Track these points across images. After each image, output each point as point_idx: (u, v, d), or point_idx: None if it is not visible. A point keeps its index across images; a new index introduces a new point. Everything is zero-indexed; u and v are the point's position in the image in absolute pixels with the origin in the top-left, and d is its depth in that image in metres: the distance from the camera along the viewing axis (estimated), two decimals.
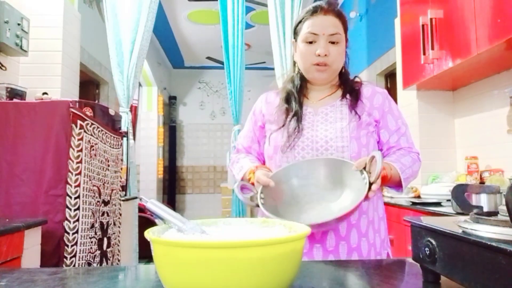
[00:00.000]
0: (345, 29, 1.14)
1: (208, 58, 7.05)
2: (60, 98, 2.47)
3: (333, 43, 1.09)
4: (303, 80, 1.18)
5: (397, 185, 1.08)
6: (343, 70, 1.18)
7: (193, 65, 7.77)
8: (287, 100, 1.16)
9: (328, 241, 1.04)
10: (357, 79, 1.18)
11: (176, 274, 0.49)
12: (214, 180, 7.64)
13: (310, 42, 1.10)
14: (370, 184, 0.92)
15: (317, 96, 1.17)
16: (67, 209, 1.79)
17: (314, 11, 1.11)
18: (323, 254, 1.03)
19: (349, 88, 1.15)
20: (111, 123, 2.31)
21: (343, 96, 1.14)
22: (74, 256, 1.82)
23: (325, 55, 1.08)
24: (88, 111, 1.99)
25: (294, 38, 1.19)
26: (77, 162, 1.85)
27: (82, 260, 1.88)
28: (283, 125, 1.11)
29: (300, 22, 1.15)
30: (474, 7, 1.79)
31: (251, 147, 1.25)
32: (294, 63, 1.21)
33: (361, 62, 4.14)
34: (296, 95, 1.15)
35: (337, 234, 1.04)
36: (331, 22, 1.10)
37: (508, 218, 0.47)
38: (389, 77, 3.73)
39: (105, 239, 2.16)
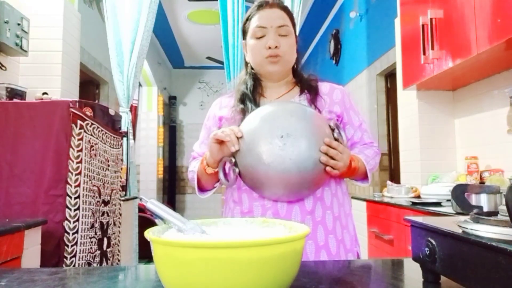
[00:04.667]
0: (293, 24, 1.13)
1: (208, 58, 7.04)
2: (60, 98, 2.47)
3: (282, 36, 1.09)
4: (257, 80, 1.16)
5: (363, 177, 1.10)
6: (296, 66, 1.17)
7: (193, 65, 7.77)
8: (242, 100, 1.13)
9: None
10: (312, 76, 1.17)
11: (176, 274, 0.49)
12: None
13: (260, 38, 1.09)
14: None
15: (274, 94, 1.15)
16: (67, 209, 1.79)
17: (260, 5, 1.11)
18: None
19: (306, 84, 1.14)
20: (111, 123, 2.31)
21: (301, 92, 1.13)
22: (74, 256, 1.82)
23: (276, 46, 1.07)
24: (88, 111, 1.99)
25: (244, 38, 1.17)
26: (77, 162, 1.85)
27: (82, 260, 1.88)
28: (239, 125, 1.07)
29: (247, 20, 1.14)
30: (474, 7, 1.79)
31: None
32: (246, 64, 1.19)
33: (361, 62, 4.14)
34: (250, 95, 1.12)
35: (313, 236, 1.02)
36: (277, 14, 1.10)
37: (508, 218, 0.47)
38: (389, 77, 3.73)
39: (105, 239, 2.16)
